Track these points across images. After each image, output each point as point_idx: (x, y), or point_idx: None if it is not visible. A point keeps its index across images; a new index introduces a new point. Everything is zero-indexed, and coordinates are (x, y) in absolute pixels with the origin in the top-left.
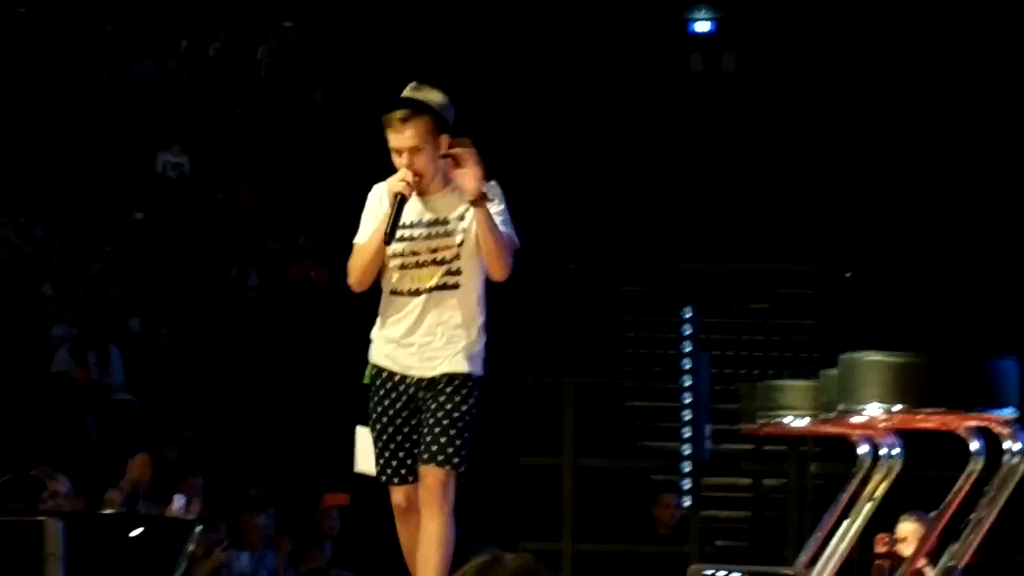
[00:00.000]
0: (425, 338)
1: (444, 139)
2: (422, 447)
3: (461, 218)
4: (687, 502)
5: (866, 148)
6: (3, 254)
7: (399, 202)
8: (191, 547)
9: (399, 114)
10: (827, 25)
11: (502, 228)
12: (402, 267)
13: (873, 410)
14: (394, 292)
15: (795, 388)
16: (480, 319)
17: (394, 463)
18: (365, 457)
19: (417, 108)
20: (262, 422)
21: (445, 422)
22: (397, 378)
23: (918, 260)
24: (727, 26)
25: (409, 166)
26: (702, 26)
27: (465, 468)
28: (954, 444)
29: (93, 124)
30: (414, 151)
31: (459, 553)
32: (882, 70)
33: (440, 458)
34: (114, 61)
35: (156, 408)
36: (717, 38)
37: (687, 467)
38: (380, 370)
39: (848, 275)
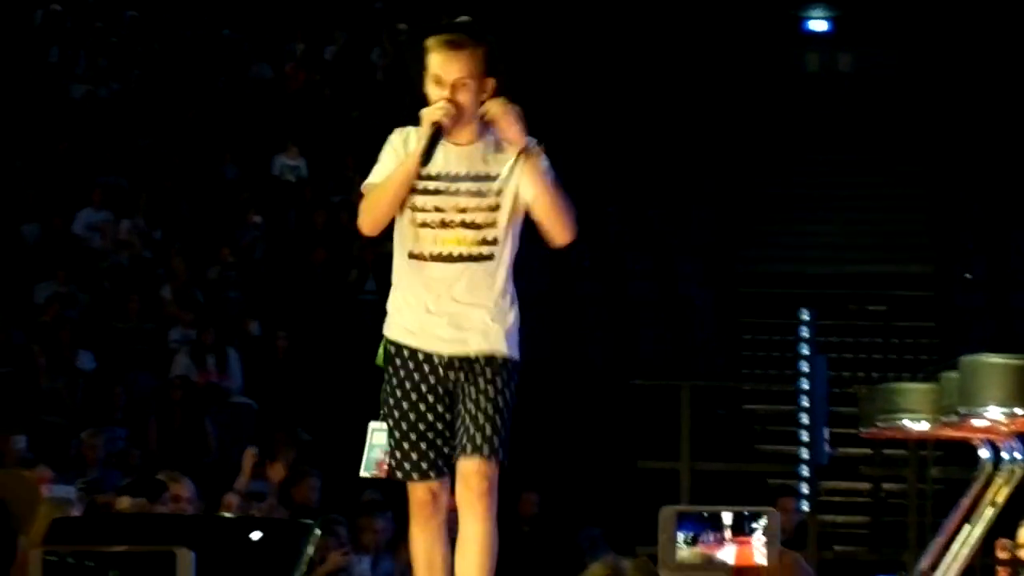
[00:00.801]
0: (458, 308)
1: (490, 83)
2: (462, 437)
3: (496, 177)
4: (805, 507)
5: (986, 146)
6: (123, 258)
7: (435, 133)
8: (310, 550)
9: (453, 37)
10: (945, 22)
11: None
12: (422, 224)
13: (994, 413)
14: (414, 256)
15: (915, 391)
16: (514, 296)
17: (415, 455)
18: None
19: (475, 36)
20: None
21: (489, 409)
22: (422, 356)
23: None
24: (844, 25)
25: (451, 100)
26: (818, 25)
27: (507, 462)
28: None
29: (210, 127)
30: (460, 84)
31: (575, 559)
32: (1002, 67)
33: (485, 449)
34: (231, 65)
35: (274, 411)
36: (834, 37)
37: (805, 471)
38: (400, 347)
39: (968, 276)
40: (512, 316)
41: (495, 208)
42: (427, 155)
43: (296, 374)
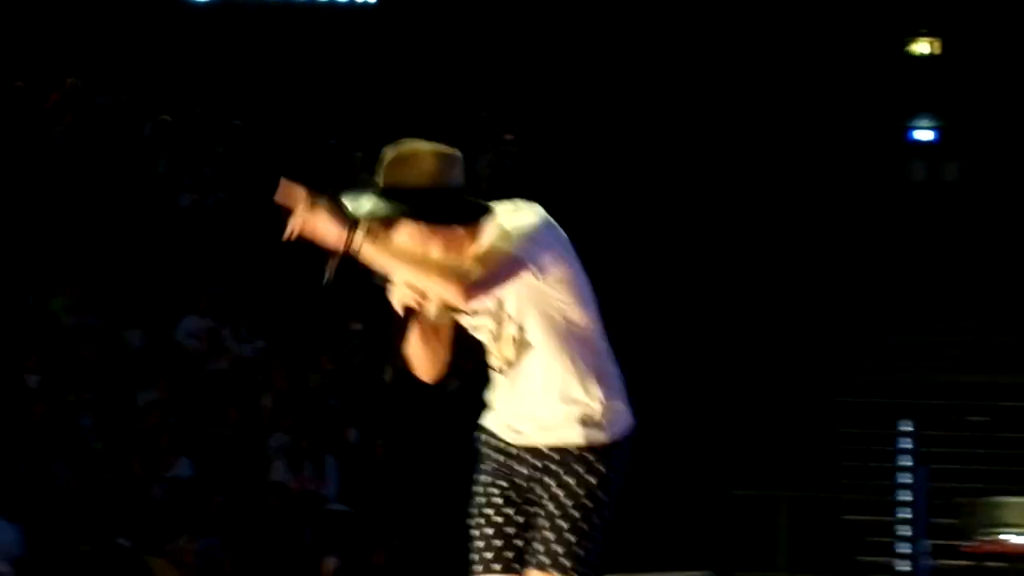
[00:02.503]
0: (524, 405)
1: (455, 233)
2: (533, 545)
3: None
4: None
5: None
6: (223, 364)
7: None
8: None
9: (372, 227)
10: None
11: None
12: (487, 336)
13: None
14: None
15: (1018, 505)
16: (583, 373)
17: (487, 552)
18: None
19: (382, 219)
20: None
21: (557, 513)
22: (504, 449)
23: None
24: (950, 134)
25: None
26: (923, 134)
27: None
28: None
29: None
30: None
31: None
32: None
33: (548, 563)
34: (336, 173)
35: (371, 518)
36: (940, 146)
37: None
38: (486, 436)
39: None
40: (591, 388)
41: (510, 300)
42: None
43: (393, 481)
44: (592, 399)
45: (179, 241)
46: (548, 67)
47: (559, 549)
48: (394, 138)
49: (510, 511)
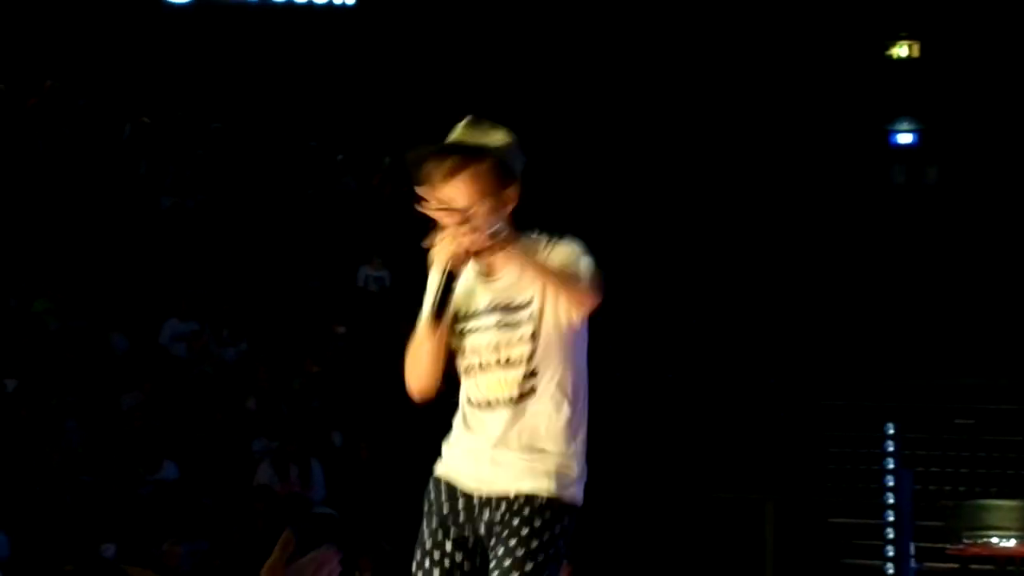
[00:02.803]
0: (504, 456)
1: (510, 190)
2: None
3: (528, 304)
4: None
5: None
6: (207, 368)
7: (447, 282)
8: None
9: (449, 164)
10: None
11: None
12: (466, 371)
13: None
14: (467, 402)
15: (1002, 508)
16: (574, 429)
17: None
18: None
19: (473, 153)
20: None
21: (519, 552)
22: (467, 495)
23: None
24: (930, 138)
25: (459, 231)
26: (904, 138)
27: None
28: None
29: (296, 238)
30: (471, 214)
31: None
32: None
33: None
34: (318, 176)
35: (356, 522)
36: (920, 150)
37: None
38: (443, 481)
39: None
40: (569, 445)
41: (532, 337)
42: (441, 308)
43: (378, 485)
44: (573, 458)
45: (160, 243)
46: (529, 67)
47: None
48: (373, 139)
49: (460, 559)
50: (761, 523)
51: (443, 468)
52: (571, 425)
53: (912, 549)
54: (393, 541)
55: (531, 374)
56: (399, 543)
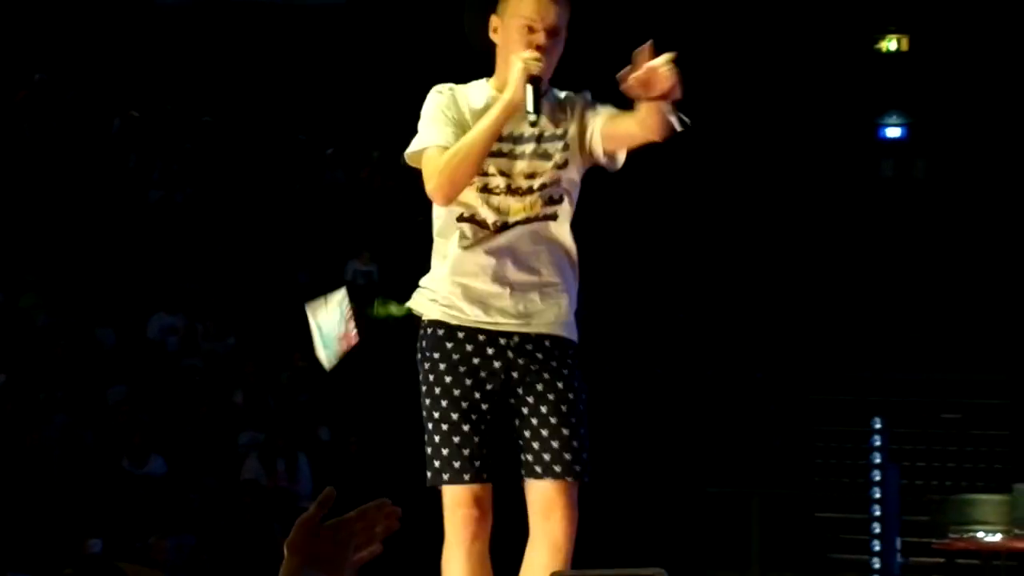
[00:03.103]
0: (523, 278)
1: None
2: (536, 450)
3: (564, 135)
4: None
5: None
6: (196, 361)
7: (534, 85)
8: None
9: None
10: (1019, 129)
11: None
12: (484, 189)
13: None
14: (473, 221)
15: (988, 502)
16: (576, 257)
17: (467, 450)
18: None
19: None
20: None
21: (566, 414)
22: (483, 338)
23: None
24: (918, 132)
25: (543, 49)
26: (893, 132)
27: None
28: None
29: (285, 232)
30: (556, 33)
31: None
32: None
33: (570, 471)
34: (306, 169)
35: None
36: (908, 143)
37: None
38: (451, 329)
39: None
40: (576, 289)
41: (563, 166)
42: (536, 106)
43: (366, 480)
44: (574, 287)
45: (148, 237)
46: None
47: (568, 456)
48: (362, 135)
49: (487, 409)
50: (748, 517)
51: (448, 311)
52: (576, 267)
53: (898, 543)
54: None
55: (558, 199)
56: (388, 539)
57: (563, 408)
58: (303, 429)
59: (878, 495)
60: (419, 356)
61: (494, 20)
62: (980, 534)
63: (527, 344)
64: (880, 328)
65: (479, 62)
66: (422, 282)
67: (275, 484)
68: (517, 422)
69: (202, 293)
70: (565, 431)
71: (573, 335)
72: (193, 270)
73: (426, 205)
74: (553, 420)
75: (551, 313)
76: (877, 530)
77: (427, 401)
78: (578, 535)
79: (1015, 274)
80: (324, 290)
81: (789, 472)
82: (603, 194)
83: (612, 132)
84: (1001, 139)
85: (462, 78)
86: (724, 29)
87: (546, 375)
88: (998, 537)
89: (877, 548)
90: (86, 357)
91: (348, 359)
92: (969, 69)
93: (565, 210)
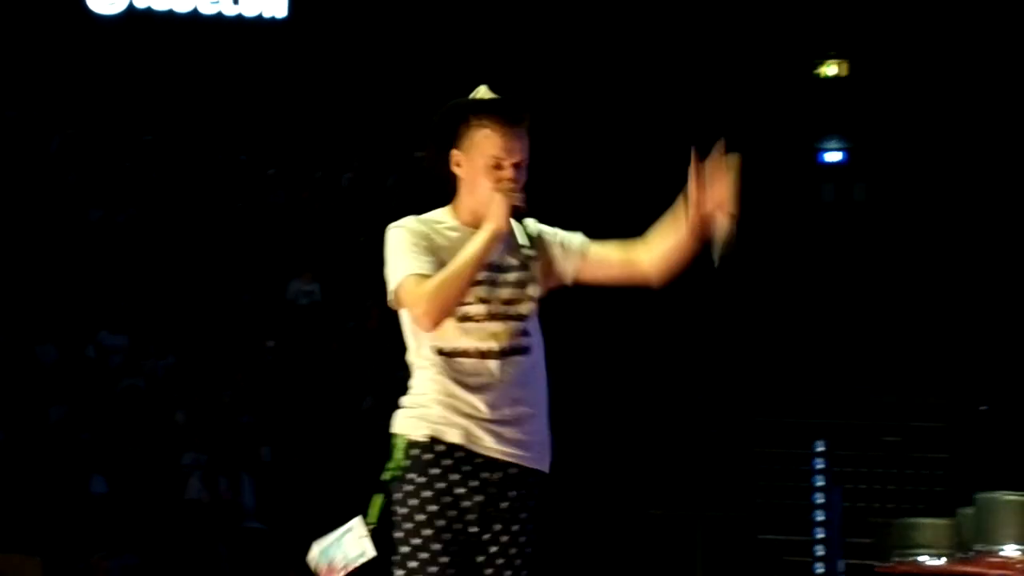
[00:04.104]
0: (515, 411)
1: None
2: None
3: (527, 262)
4: None
5: (1000, 277)
6: (139, 381)
7: (517, 217)
8: None
9: (517, 115)
10: (957, 154)
11: None
12: (464, 319)
13: (1010, 551)
14: (453, 354)
15: (931, 526)
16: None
17: (452, 572)
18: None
19: (527, 113)
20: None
21: (528, 554)
22: (480, 460)
23: None
24: (858, 156)
25: (516, 181)
26: (833, 156)
27: None
28: None
29: (226, 252)
30: (520, 166)
31: None
32: (1017, 198)
33: None
34: (248, 190)
35: (285, 535)
36: (848, 167)
37: None
38: (437, 443)
39: (983, 408)
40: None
41: (531, 297)
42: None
43: (307, 499)
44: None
45: (89, 256)
46: (457, 79)
47: None
48: (304, 153)
49: (475, 531)
50: (692, 539)
51: (438, 427)
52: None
53: (841, 566)
54: None
55: (527, 333)
56: None
57: (527, 550)
58: (245, 449)
59: (821, 517)
60: (397, 476)
61: (456, 155)
62: (923, 558)
63: (511, 478)
64: (822, 351)
65: (420, 79)
66: (405, 402)
67: (217, 504)
68: (481, 558)
69: (144, 312)
70: (524, 573)
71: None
72: (135, 289)
73: (367, 226)
74: (518, 562)
75: (538, 446)
76: (820, 552)
77: (407, 523)
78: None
79: (955, 298)
80: (267, 310)
81: (732, 494)
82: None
83: (608, 259)
84: (940, 163)
85: (404, 98)
86: (666, 54)
87: (522, 515)
88: (942, 561)
89: (820, 570)
90: (26, 375)
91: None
92: (908, 94)
93: (537, 345)
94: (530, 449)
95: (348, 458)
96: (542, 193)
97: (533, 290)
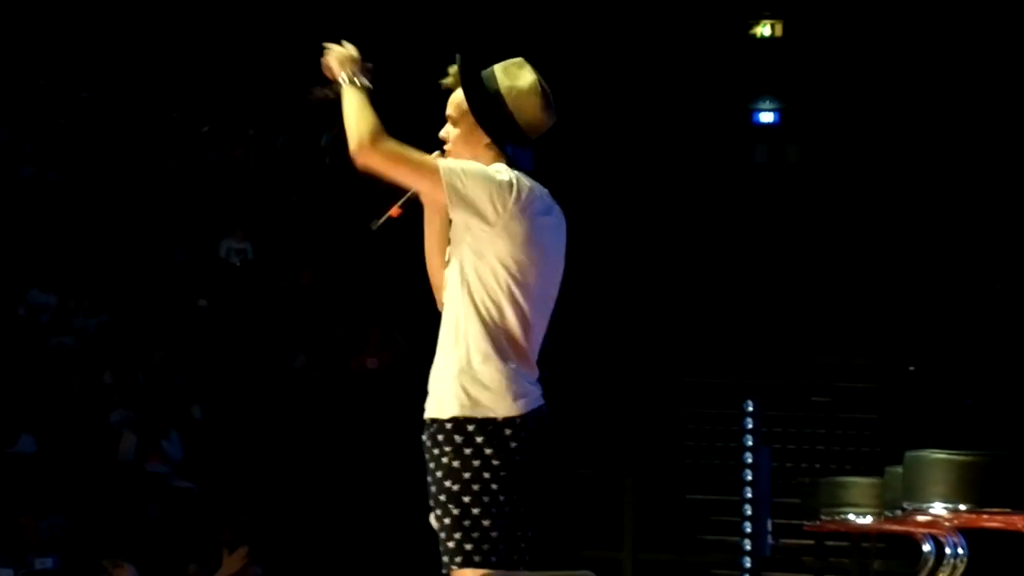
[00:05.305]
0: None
1: (479, 138)
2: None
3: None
4: None
5: (930, 238)
6: (68, 339)
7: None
8: None
9: (453, 76)
10: (890, 115)
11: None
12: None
13: (938, 509)
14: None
15: (859, 485)
16: (476, 341)
17: (519, 542)
18: None
19: (464, 79)
20: (323, 511)
21: (433, 491)
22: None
23: (982, 353)
24: (791, 117)
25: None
26: (766, 117)
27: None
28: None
29: (158, 210)
30: (451, 124)
31: None
32: (947, 159)
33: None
34: (181, 147)
35: (216, 496)
36: (781, 129)
37: (748, 562)
38: (524, 417)
39: (911, 368)
40: (467, 365)
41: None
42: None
43: (238, 458)
44: (466, 371)
45: (21, 214)
46: (396, 40)
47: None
48: (237, 111)
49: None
50: (621, 498)
51: (534, 401)
52: (463, 339)
53: (769, 525)
54: (252, 514)
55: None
56: (258, 516)
57: (440, 498)
58: (176, 407)
59: (750, 477)
60: (466, 452)
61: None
62: (851, 516)
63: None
64: (752, 312)
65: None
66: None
67: (147, 463)
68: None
69: (75, 270)
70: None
71: (447, 411)
72: (66, 247)
73: (300, 185)
74: (437, 511)
75: (433, 395)
76: (748, 512)
77: (487, 485)
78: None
79: (885, 259)
80: (199, 268)
81: (661, 454)
82: None
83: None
84: (873, 125)
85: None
86: (598, 15)
87: (430, 464)
88: (868, 519)
89: (748, 530)
90: None
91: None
92: (842, 55)
93: (455, 294)
94: (430, 398)
95: (279, 417)
96: None
97: (452, 251)
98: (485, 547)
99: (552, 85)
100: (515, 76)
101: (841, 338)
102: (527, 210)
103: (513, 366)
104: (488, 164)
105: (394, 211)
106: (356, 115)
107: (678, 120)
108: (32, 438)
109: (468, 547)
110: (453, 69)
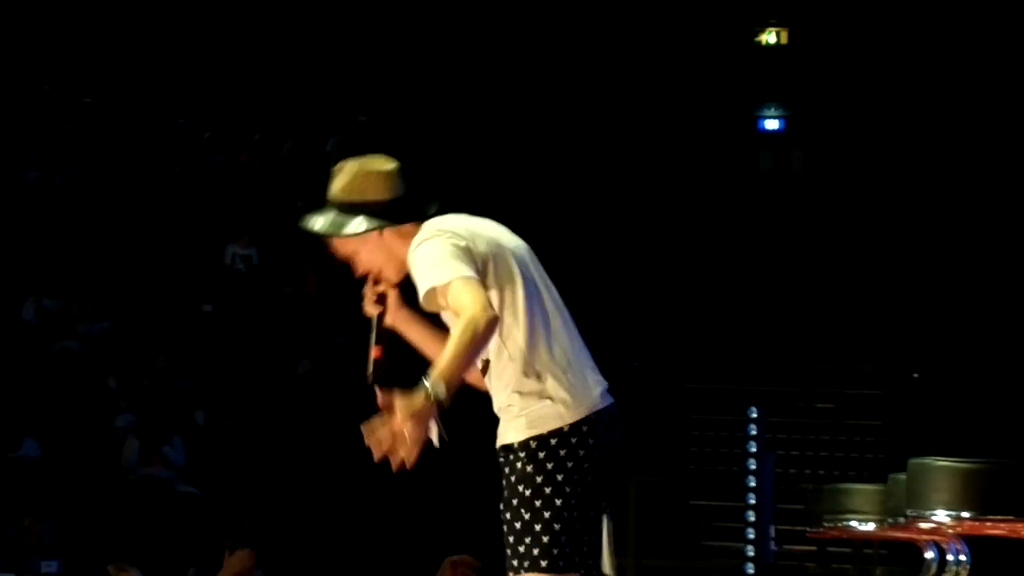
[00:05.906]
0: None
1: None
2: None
3: None
4: None
5: (935, 246)
6: (73, 344)
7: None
8: None
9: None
10: (895, 123)
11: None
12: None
13: (941, 516)
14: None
15: (862, 492)
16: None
17: (584, 546)
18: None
19: (327, 232)
20: (326, 517)
21: (508, 518)
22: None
23: (986, 361)
24: (796, 124)
25: (363, 276)
26: (771, 124)
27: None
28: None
29: (164, 215)
30: (353, 257)
31: None
32: (951, 167)
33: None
34: (186, 153)
35: (219, 501)
36: (786, 135)
37: (751, 568)
38: (586, 422)
39: (916, 375)
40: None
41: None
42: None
43: (242, 464)
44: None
45: (25, 219)
46: (398, 48)
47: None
48: (242, 116)
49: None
50: (624, 504)
51: (593, 401)
52: (523, 374)
53: (772, 532)
54: (255, 519)
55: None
56: (261, 521)
57: (513, 523)
58: (180, 413)
59: (753, 483)
60: (540, 456)
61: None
62: (854, 523)
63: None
64: (756, 318)
65: (362, 44)
66: (555, 396)
67: (151, 468)
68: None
69: (80, 276)
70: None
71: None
72: (70, 252)
73: (305, 190)
74: (510, 539)
75: (502, 424)
76: (752, 518)
77: (567, 488)
78: (460, 530)
79: (890, 266)
80: (204, 273)
81: (665, 460)
82: (473, 174)
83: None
84: (878, 132)
85: (342, 60)
86: (605, 22)
87: (505, 492)
88: (871, 526)
89: (751, 536)
90: None
91: None
92: (847, 62)
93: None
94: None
95: (283, 422)
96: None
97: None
98: (554, 551)
99: (560, 92)
100: (339, 178)
101: (845, 345)
102: (475, 239)
103: (562, 374)
104: (417, 244)
105: (375, 353)
106: (465, 350)
107: (683, 127)
108: (36, 442)
109: (536, 552)
110: (319, 232)
